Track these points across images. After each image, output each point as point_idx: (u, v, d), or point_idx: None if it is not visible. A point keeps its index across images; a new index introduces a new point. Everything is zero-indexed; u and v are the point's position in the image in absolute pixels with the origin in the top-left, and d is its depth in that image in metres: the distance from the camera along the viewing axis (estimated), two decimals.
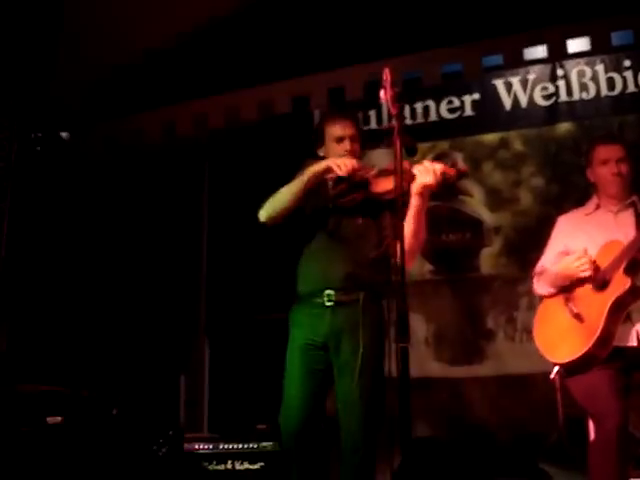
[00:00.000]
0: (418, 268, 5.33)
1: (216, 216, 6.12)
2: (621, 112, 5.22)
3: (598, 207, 3.40)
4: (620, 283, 3.06)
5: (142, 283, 5.81)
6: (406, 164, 2.85)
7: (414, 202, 2.96)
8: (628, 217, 3.30)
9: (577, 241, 3.32)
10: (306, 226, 3.18)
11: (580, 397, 3.06)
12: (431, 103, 5.57)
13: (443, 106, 5.55)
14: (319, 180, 3.08)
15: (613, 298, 3.06)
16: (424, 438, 4.79)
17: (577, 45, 4.55)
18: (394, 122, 2.55)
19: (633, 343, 3.08)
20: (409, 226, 2.94)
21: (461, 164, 3.11)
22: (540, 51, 4.51)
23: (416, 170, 2.90)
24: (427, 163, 2.93)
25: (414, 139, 2.62)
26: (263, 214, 3.16)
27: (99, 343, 5.43)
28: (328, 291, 3.05)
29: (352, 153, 3.12)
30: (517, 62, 4.48)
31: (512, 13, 4.34)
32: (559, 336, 3.18)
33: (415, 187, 2.93)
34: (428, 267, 5.39)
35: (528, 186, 5.29)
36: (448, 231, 5.39)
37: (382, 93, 2.62)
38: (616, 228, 3.28)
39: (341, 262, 3.05)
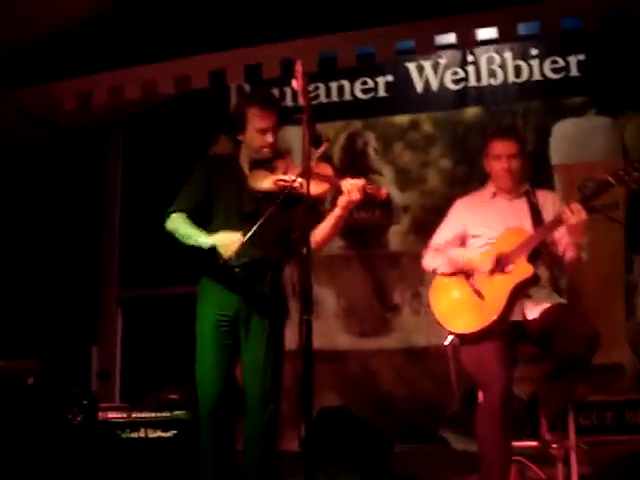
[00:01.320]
0: (329, 243, 5.48)
1: (131, 187, 6.11)
2: (526, 98, 5.50)
3: (494, 194, 3.60)
4: (523, 269, 3.27)
5: (54, 255, 5.78)
6: (328, 169, 3.05)
7: (337, 212, 3.13)
8: (522, 205, 3.52)
9: (475, 225, 3.53)
10: (219, 206, 3.27)
11: (470, 366, 3.27)
12: (346, 83, 5.73)
13: (357, 86, 5.71)
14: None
15: (516, 282, 3.28)
16: (332, 407, 4.96)
17: (486, 33, 4.73)
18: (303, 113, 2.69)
19: (519, 318, 3.32)
20: (326, 228, 3.17)
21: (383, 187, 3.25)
22: (451, 37, 4.67)
23: (345, 186, 3.03)
24: (356, 181, 3.06)
25: (319, 134, 2.78)
26: (168, 227, 3.30)
27: (13, 313, 5.39)
28: (238, 268, 3.19)
29: (272, 145, 3.22)
30: (428, 48, 4.62)
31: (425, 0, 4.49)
32: (458, 308, 3.38)
33: (342, 201, 3.08)
34: (339, 243, 5.55)
35: (436, 167, 5.51)
36: (359, 208, 5.54)
37: (294, 83, 2.73)
38: (511, 215, 3.49)
39: (252, 242, 3.16)
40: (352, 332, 5.47)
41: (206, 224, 3.26)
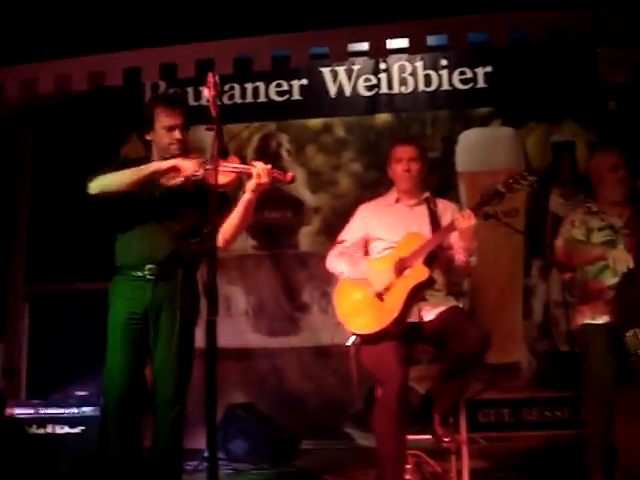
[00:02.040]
0: (241, 243, 5.56)
1: (40, 181, 6.01)
2: (435, 107, 5.71)
3: (397, 200, 3.76)
4: (420, 272, 3.42)
5: None
6: (235, 160, 3.14)
7: (247, 196, 3.18)
8: (422, 211, 3.69)
9: (378, 229, 3.67)
10: (132, 202, 3.30)
11: (369, 364, 3.40)
12: (261, 85, 5.79)
13: (272, 88, 5.79)
14: (161, 176, 3.22)
15: (412, 285, 3.42)
16: (240, 404, 5.03)
17: (397, 43, 4.91)
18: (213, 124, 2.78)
19: (416, 319, 3.47)
20: (237, 217, 3.21)
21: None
22: (364, 45, 4.82)
23: (253, 171, 3.10)
24: (263, 165, 3.13)
25: (226, 145, 2.88)
26: (94, 188, 3.21)
27: None
28: (150, 265, 3.22)
29: (181, 142, 3.27)
30: (341, 55, 4.76)
31: (339, 8, 4.60)
32: (360, 309, 3.50)
33: (250, 185, 3.14)
34: (250, 242, 5.64)
35: (347, 171, 5.65)
36: (271, 209, 5.65)
37: (206, 91, 2.80)
38: (412, 220, 3.65)
39: (164, 239, 3.22)
40: (261, 331, 5.54)
41: (120, 228, 3.30)
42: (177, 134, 3.25)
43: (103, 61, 4.81)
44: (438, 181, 5.55)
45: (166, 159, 3.23)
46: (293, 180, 3.17)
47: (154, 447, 3.23)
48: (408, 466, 3.54)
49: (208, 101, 2.82)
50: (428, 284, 3.43)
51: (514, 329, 5.39)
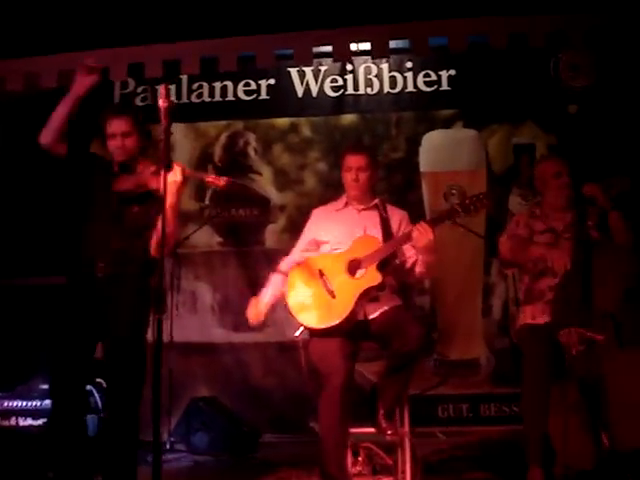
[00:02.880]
0: (207, 239, 5.68)
1: None
2: (400, 108, 5.83)
3: (347, 205, 3.89)
4: (373, 277, 3.54)
5: None
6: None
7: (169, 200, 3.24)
8: (371, 216, 3.80)
9: (325, 232, 3.81)
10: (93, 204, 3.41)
11: (316, 358, 3.52)
12: (229, 84, 5.88)
13: (240, 88, 5.87)
14: (82, 95, 3.35)
15: (364, 288, 3.55)
16: (203, 397, 5.13)
17: (362, 45, 5.03)
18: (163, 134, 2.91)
19: (361, 317, 3.60)
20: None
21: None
22: (329, 48, 4.92)
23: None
24: (177, 167, 3.28)
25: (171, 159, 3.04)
26: (41, 137, 3.37)
27: None
28: (102, 263, 3.33)
29: (122, 149, 3.41)
30: (306, 57, 4.85)
31: (305, 12, 4.70)
32: (311, 303, 3.61)
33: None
34: (217, 239, 5.74)
35: (313, 170, 5.76)
36: (238, 207, 5.75)
37: (160, 102, 2.90)
38: (359, 225, 3.76)
39: (115, 239, 3.33)
40: (227, 326, 5.62)
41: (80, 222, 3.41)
42: (118, 141, 3.40)
43: (72, 59, 4.85)
44: (402, 181, 5.69)
45: (120, 163, 3.42)
46: (229, 183, 3.32)
47: (110, 441, 3.32)
48: (360, 458, 3.68)
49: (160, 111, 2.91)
50: (379, 288, 3.56)
51: (473, 326, 5.53)
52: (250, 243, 5.73)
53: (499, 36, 4.70)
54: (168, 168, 2.96)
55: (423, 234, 3.47)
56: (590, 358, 3.17)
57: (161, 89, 2.93)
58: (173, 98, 2.97)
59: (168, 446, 4.78)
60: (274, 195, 5.77)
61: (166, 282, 5.25)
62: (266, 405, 5.44)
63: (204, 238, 5.68)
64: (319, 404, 3.42)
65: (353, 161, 3.81)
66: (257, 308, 3.82)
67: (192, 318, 5.62)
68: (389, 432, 3.55)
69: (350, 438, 3.56)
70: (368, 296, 3.56)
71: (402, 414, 3.69)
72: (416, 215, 5.34)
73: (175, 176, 3.24)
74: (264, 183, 5.78)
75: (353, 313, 3.50)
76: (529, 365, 3.47)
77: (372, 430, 3.61)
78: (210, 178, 3.36)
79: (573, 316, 3.25)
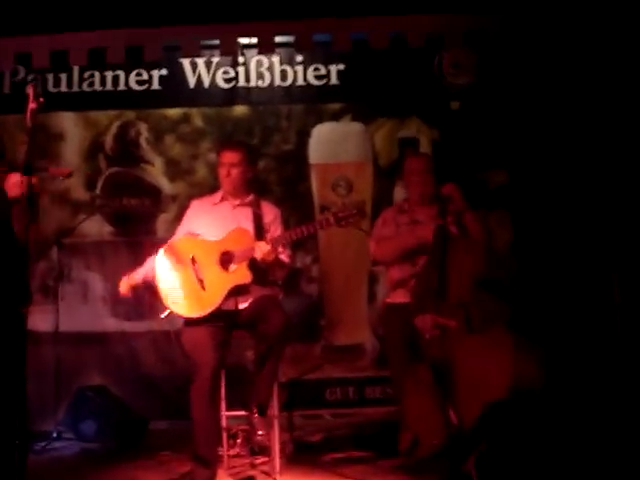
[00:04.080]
0: (97, 229, 5.69)
1: None
2: (290, 101, 5.96)
3: (222, 199, 4.03)
4: (243, 275, 3.72)
5: None
6: None
7: None
8: (245, 212, 3.97)
9: (199, 225, 3.95)
10: None
11: (187, 347, 3.68)
12: (121, 73, 5.84)
13: (132, 77, 5.87)
14: None
15: (235, 284, 3.72)
16: (91, 386, 5.18)
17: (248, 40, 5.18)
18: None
19: (232, 307, 3.76)
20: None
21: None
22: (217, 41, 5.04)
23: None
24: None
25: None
26: None
27: None
28: None
29: None
30: (194, 49, 4.95)
31: (195, 7, 4.80)
32: (180, 290, 3.74)
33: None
34: (108, 229, 5.76)
35: (204, 160, 5.82)
36: (129, 196, 5.79)
37: (30, 102, 2.94)
38: (233, 219, 3.91)
39: None
40: (118, 315, 5.66)
41: None
42: None
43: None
44: (292, 172, 5.85)
45: None
46: (70, 175, 3.39)
47: None
48: (238, 440, 3.84)
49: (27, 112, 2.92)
50: (248, 286, 3.74)
51: (359, 313, 5.75)
52: (141, 233, 5.77)
53: (380, 36, 4.91)
54: (28, 173, 2.94)
55: (263, 252, 3.66)
56: (442, 342, 3.42)
57: (29, 90, 2.94)
58: (42, 99, 2.96)
59: (55, 434, 4.83)
60: (165, 185, 5.82)
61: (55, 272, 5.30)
62: (156, 393, 5.49)
63: (95, 228, 5.70)
64: (190, 391, 3.55)
65: (226, 157, 3.97)
66: (127, 280, 3.91)
67: (83, 308, 5.64)
68: (260, 433, 3.69)
69: (228, 422, 3.74)
70: (236, 291, 3.72)
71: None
72: (305, 206, 5.66)
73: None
74: (156, 173, 5.83)
75: (220, 306, 3.67)
76: (389, 341, 3.70)
77: (242, 413, 3.79)
78: (52, 170, 3.35)
79: (429, 303, 3.49)
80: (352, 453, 4.29)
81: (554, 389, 3.76)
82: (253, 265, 3.71)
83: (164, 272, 3.78)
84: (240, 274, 3.70)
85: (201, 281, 3.69)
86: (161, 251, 3.86)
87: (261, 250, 3.65)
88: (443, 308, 3.48)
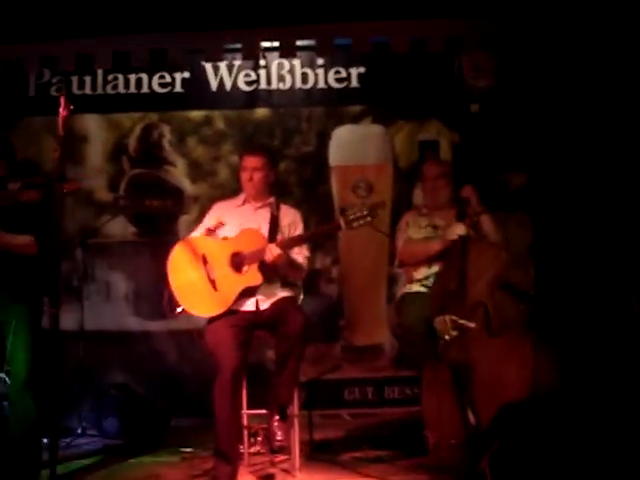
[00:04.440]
0: (121, 230, 5.79)
1: None
2: (311, 104, 6.02)
3: (245, 202, 4.13)
4: (254, 277, 3.80)
5: None
6: None
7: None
8: (265, 214, 4.06)
9: (224, 228, 4.02)
10: None
11: (210, 345, 3.76)
12: (144, 76, 5.95)
13: (155, 80, 5.96)
14: None
15: (246, 285, 3.80)
16: (116, 384, 5.27)
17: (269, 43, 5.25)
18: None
19: (252, 308, 3.85)
20: None
21: None
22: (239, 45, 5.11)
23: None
24: None
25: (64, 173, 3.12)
26: None
27: None
28: None
29: None
30: (217, 54, 5.03)
31: (218, 12, 4.85)
32: (193, 289, 3.83)
33: None
34: (131, 229, 5.84)
35: (226, 162, 5.90)
36: (152, 197, 5.88)
37: (61, 110, 3.02)
38: (253, 220, 4.01)
39: None
40: (141, 314, 5.74)
41: None
42: None
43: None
44: (312, 174, 5.91)
45: None
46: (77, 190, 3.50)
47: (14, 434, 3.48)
48: (259, 438, 3.91)
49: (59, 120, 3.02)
50: (259, 288, 3.82)
51: (378, 313, 5.80)
52: (164, 233, 5.82)
53: (400, 40, 4.94)
54: (61, 180, 3.03)
55: (273, 254, 3.73)
56: (461, 344, 3.46)
57: (61, 99, 3.03)
58: (72, 106, 3.04)
59: (80, 431, 4.93)
60: (188, 186, 5.90)
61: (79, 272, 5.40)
62: (179, 390, 5.59)
63: (118, 228, 5.80)
64: (213, 389, 3.63)
65: (248, 162, 4.05)
66: None
67: (106, 307, 5.73)
68: (279, 439, 3.74)
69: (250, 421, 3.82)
70: (248, 292, 3.81)
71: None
72: (325, 208, 5.71)
73: None
74: (178, 175, 5.91)
75: (231, 307, 3.78)
76: (405, 326, 3.84)
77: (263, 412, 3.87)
78: (67, 186, 3.43)
79: (448, 305, 3.53)
80: (370, 452, 4.32)
81: (571, 392, 3.78)
82: (263, 266, 3.77)
83: (176, 270, 3.89)
84: (251, 276, 3.78)
85: (213, 282, 3.78)
86: (177, 246, 3.96)
87: (271, 252, 3.71)
88: (462, 310, 3.53)
